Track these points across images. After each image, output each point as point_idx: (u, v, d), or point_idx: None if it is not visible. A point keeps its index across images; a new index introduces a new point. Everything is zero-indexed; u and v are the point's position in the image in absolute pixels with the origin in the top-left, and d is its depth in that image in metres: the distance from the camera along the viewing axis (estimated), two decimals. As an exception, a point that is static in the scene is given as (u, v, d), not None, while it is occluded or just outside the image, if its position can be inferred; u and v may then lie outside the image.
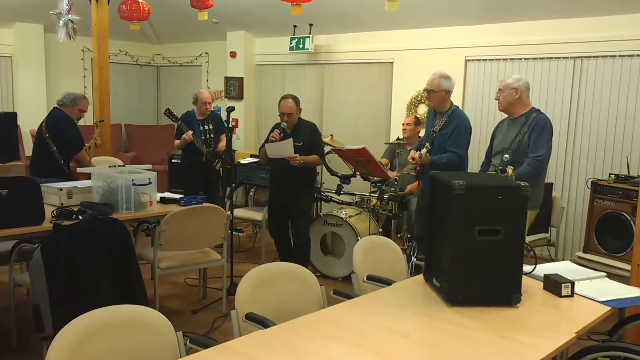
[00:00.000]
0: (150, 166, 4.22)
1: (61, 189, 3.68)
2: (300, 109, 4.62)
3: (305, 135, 4.60)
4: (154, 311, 1.94)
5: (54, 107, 4.61)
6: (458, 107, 4.27)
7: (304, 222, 4.72)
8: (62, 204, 3.61)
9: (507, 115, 3.92)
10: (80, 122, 4.74)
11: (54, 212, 3.37)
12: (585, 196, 4.85)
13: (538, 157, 3.62)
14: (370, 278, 2.68)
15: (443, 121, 4.11)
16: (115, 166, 4.50)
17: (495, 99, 3.91)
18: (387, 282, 2.61)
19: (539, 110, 3.79)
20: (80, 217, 3.36)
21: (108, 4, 5.96)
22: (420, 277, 2.59)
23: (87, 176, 4.31)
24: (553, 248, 4.81)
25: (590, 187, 4.42)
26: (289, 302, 2.35)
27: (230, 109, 4.28)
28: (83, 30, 5.68)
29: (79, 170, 4.35)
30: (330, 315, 2.14)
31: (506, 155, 3.71)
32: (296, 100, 4.57)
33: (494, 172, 3.86)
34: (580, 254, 4.42)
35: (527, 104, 3.80)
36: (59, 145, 4.48)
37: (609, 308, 2.26)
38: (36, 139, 4.64)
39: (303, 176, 4.59)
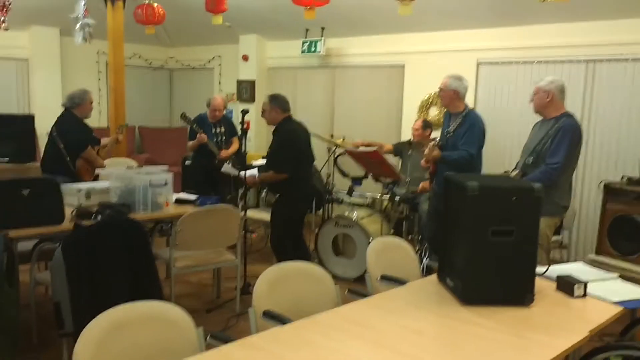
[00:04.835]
0: (166, 167, 4.29)
1: (80, 190, 3.75)
2: (278, 108, 4.41)
3: (273, 140, 4.52)
4: (175, 307, 2.00)
5: (65, 109, 4.79)
6: (473, 109, 4.30)
7: (273, 231, 4.61)
8: (81, 204, 3.67)
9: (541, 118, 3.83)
10: (95, 124, 4.89)
11: (74, 212, 3.44)
12: (597, 199, 4.85)
13: (553, 164, 3.54)
14: (384, 278, 2.72)
15: (457, 122, 4.15)
16: (132, 167, 4.59)
17: (530, 102, 3.82)
18: (400, 282, 2.65)
19: (571, 115, 3.68)
20: (99, 217, 3.42)
21: (124, 8, 6.06)
22: (434, 277, 2.62)
23: (92, 174, 4.56)
24: (566, 250, 4.82)
25: (602, 189, 4.43)
26: (305, 300, 2.40)
27: (244, 111, 4.35)
28: (99, 33, 5.76)
29: (97, 172, 4.47)
30: (347, 313, 2.18)
31: (530, 158, 3.69)
32: (272, 98, 4.44)
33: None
34: (593, 256, 4.43)
35: (560, 107, 3.70)
36: (65, 144, 4.69)
37: (621, 308, 2.29)
38: (48, 138, 4.86)
39: (279, 183, 4.50)
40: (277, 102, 4.43)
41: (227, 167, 4.73)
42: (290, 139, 4.43)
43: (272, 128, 4.55)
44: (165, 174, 3.91)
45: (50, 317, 3.24)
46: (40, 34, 7.51)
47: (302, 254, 4.65)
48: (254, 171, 4.60)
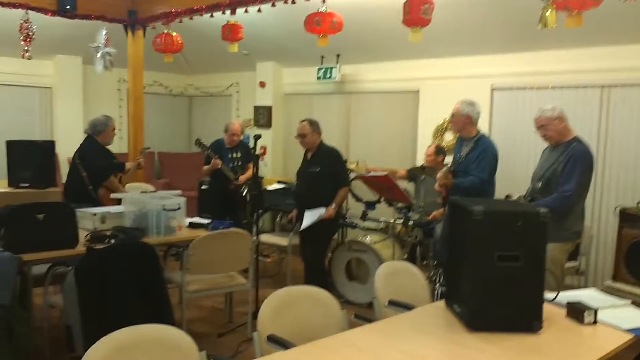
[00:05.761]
0: (179, 192, 4.34)
1: (95, 214, 3.81)
2: (318, 132, 4.72)
3: (324, 161, 4.68)
4: (179, 331, 2.01)
5: (88, 136, 4.86)
6: (485, 134, 4.30)
7: (315, 250, 4.74)
8: (96, 228, 3.74)
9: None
10: (116, 150, 4.99)
11: (88, 236, 3.49)
12: (614, 224, 4.77)
13: (565, 191, 3.49)
14: (391, 303, 2.71)
15: (469, 147, 4.14)
16: (146, 192, 4.65)
17: (543, 137, 3.73)
18: (408, 307, 2.63)
19: (580, 140, 3.65)
20: (113, 241, 3.48)
21: (144, 37, 6.23)
22: (442, 302, 2.60)
23: (115, 202, 4.50)
24: (583, 276, 4.73)
25: (618, 215, 4.36)
26: (310, 324, 2.40)
27: (257, 137, 4.41)
28: (119, 62, 5.93)
29: (112, 196, 4.54)
30: (351, 338, 2.17)
31: (539, 183, 3.65)
32: (311, 122, 4.71)
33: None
34: (610, 282, 4.35)
35: (570, 130, 3.67)
36: (88, 172, 4.73)
37: (632, 336, 2.24)
38: (70, 166, 4.93)
39: (322, 201, 4.65)
40: (318, 127, 4.75)
41: (311, 219, 4.67)
42: (341, 156, 4.83)
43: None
44: (179, 199, 3.97)
45: (63, 339, 3.29)
46: (64, 63, 7.74)
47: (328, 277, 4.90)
48: (316, 212, 4.63)
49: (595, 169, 5.19)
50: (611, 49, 5.06)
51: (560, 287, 3.25)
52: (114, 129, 4.96)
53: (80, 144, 4.91)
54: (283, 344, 2.12)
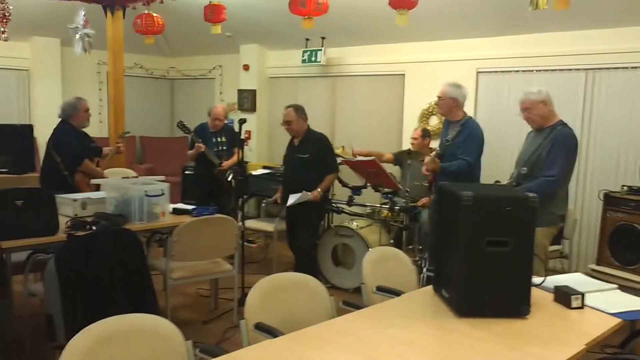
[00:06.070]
0: (163, 177, 4.26)
1: (75, 200, 3.72)
2: (304, 118, 4.70)
3: (313, 147, 4.66)
4: (164, 320, 1.97)
5: (61, 121, 4.66)
6: (471, 117, 4.28)
7: (306, 235, 4.77)
8: (76, 215, 3.65)
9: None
10: (97, 134, 4.84)
11: (68, 223, 3.41)
12: (598, 208, 4.80)
13: (550, 176, 3.48)
14: (379, 289, 2.69)
15: (456, 130, 4.11)
16: (128, 177, 4.56)
17: (526, 119, 3.69)
18: (396, 293, 2.62)
19: (565, 124, 3.62)
20: (94, 227, 3.40)
21: (123, 18, 6.08)
22: (430, 288, 2.59)
23: (94, 188, 4.31)
24: (566, 260, 4.77)
25: (602, 198, 4.38)
26: (298, 312, 2.37)
27: (241, 121, 4.34)
28: (99, 44, 5.77)
29: (92, 181, 4.40)
30: (339, 325, 2.15)
31: (524, 168, 3.64)
32: (296, 108, 4.67)
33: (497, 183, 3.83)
34: (594, 266, 4.38)
35: (554, 114, 3.64)
36: (62, 157, 4.53)
37: (619, 320, 2.25)
38: (45, 152, 4.72)
39: (310, 187, 4.63)
40: (304, 113, 4.70)
41: (296, 198, 4.63)
42: (329, 142, 4.82)
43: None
44: (162, 184, 3.89)
45: (44, 328, 3.21)
46: (41, 45, 7.54)
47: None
48: (297, 196, 4.61)
49: (579, 153, 5.22)
50: (597, 32, 5.05)
51: (545, 271, 3.26)
52: (87, 111, 4.69)
53: (54, 129, 4.66)
54: (271, 332, 2.08)
